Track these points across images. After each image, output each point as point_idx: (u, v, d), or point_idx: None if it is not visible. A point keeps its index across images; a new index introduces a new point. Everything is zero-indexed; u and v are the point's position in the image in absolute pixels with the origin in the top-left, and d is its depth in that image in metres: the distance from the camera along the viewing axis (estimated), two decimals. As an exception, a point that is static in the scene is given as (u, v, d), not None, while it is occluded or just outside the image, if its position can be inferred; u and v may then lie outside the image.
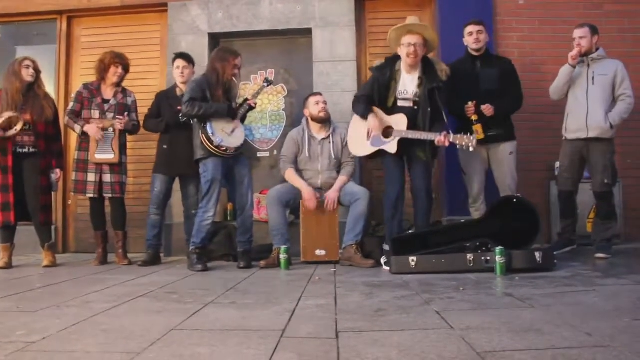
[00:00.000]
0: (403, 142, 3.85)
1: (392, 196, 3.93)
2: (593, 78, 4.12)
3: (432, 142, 3.77)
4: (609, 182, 4.10)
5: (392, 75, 3.93)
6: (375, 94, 3.96)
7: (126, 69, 4.61)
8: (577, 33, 4.15)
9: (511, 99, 4.23)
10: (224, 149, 3.99)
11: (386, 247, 3.95)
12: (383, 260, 3.91)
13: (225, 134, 4.03)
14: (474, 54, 4.30)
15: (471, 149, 3.69)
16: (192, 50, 5.18)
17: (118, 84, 4.61)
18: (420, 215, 3.92)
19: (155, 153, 4.65)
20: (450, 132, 3.75)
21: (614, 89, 4.10)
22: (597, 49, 4.16)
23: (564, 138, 4.30)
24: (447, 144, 3.70)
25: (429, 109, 3.82)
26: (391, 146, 3.89)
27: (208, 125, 3.97)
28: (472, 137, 3.67)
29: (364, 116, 3.96)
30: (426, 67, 3.92)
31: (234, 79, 4.13)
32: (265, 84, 4.42)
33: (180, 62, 4.61)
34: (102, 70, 4.54)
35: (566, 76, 4.15)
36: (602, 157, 4.09)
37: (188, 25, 5.45)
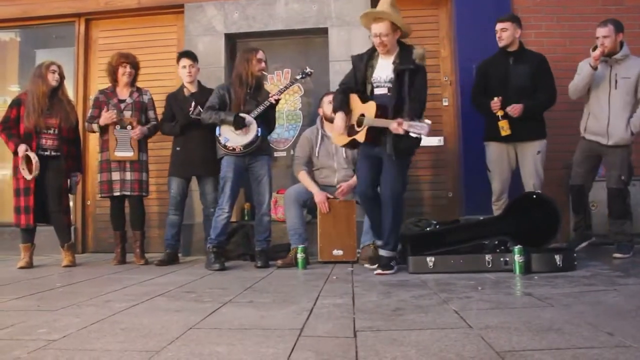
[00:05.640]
0: (377, 136, 3.57)
1: (359, 192, 3.85)
2: (616, 81, 3.96)
3: (415, 136, 3.31)
4: (625, 179, 4.03)
5: (369, 62, 3.71)
6: (354, 83, 3.75)
7: (135, 67, 4.63)
8: (601, 32, 3.92)
9: (542, 96, 4.09)
10: (232, 148, 4.05)
11: (383, 253, 3.68)
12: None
13: (232, 134, 4.08)
14: (507, 50, 4.16)
15: (423, 136, 3.29)
16: (208, 51, 5.21)
17: (132, 84, 4.65)
18: (386, 224, 3.61)
19: (170, 155, 4.68)
20: (407, 118, 3.32)
21: (636, 91, 3.98)
22: (620, 47, 3.97)
23: (581, 135, 4.22)
24: (400, 131, 3.30)
25: (398, 93, 3.52)
26: (360, 135, 3.62)
27: (217, 128, 4.11)
28: (424, 124, 3.22)
29: (334, 111, 3.76)
30: (402, 51, 3.63)
31: (263, 72, 4.25)
32: (300, 76, 4.33)
33: (186, 62, 4.56)
34: (112, 72, 4.61)
35: (587, 78, 3.98)
36: (620, 155, 4.02)
37: (204, 26, 5.47)
